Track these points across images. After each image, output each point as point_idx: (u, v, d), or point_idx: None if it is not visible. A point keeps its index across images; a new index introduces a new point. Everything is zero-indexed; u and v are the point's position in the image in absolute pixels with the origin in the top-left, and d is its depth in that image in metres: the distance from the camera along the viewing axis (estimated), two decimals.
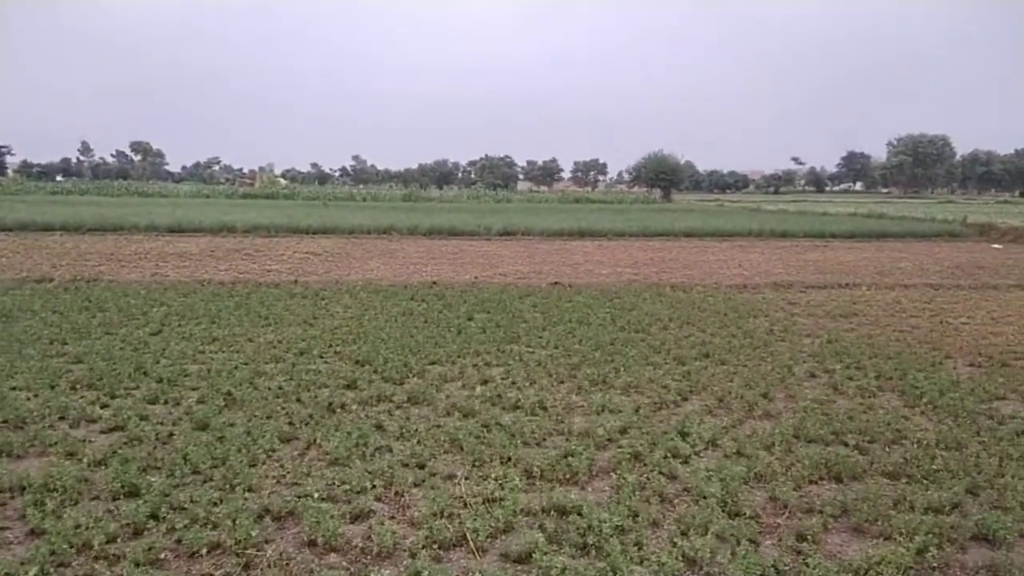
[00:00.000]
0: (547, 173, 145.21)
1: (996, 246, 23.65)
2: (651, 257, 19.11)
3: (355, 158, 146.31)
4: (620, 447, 5.02)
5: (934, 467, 4.72)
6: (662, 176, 77.46)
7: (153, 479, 4.35)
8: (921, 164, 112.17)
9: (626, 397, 6.33)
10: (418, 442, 5.06)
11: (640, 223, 28.29)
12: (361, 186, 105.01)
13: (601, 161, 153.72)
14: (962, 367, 7.62)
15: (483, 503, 4.13)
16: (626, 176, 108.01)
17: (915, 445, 5.14)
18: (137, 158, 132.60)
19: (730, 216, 36.13)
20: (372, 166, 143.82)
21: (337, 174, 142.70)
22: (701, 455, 4.97)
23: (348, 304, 10.77)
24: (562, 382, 6.79)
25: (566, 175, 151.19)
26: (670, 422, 5.62)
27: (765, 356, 7.88)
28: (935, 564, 3.57)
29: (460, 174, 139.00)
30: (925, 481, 4.55)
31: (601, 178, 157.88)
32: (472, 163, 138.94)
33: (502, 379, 6.80)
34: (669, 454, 4.91)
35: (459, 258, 18.18)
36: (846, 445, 5.20)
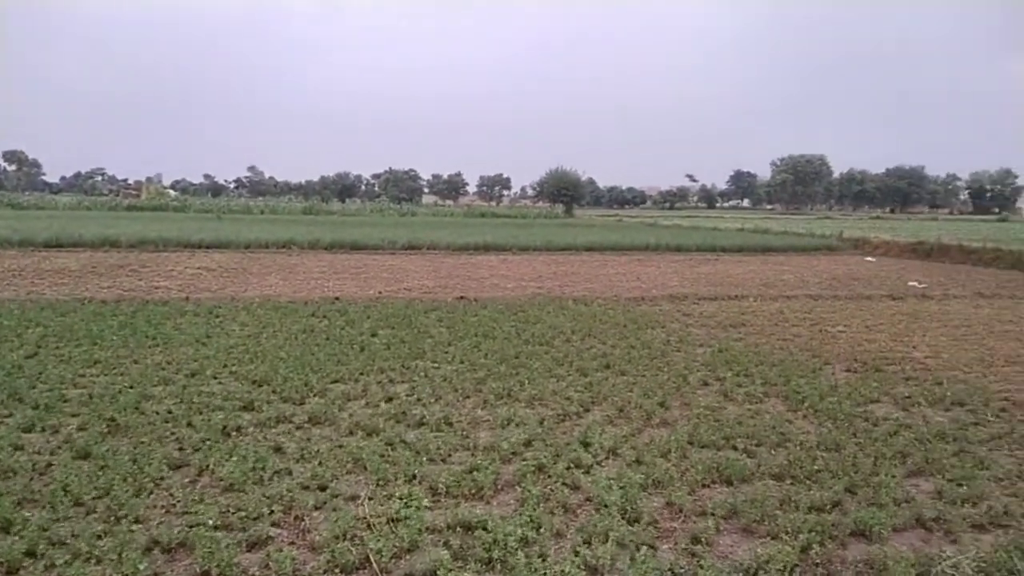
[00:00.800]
0: (452, 187, 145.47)
1: (869, 259, 25.57)
2: (554, 271, 19.46)
3: (251, 169, 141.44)
4: (525, 460, 5.07)
5: (815, 468, 5.03)
6: (564, 191, 79.23)
7: (29, 514, 4.03)
8: (802, 182, 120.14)
9: (531, 410, 6.41)
10: (319, 463, 4.93)
11: (543, 237, 28.78)
12: (259, 199, 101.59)
13: (505, 176, 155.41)
14: (840, 372, 8.18)
15: (387, 523, 4.07)
16: (530, 191, 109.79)
17: (798, 447, 5.47)
18: (11, 168, 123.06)
19: (629, 231, 37.36)
20: (271, 178, 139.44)
21: (232, 186, 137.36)
22: (603, 464, 5.10)
23: (245, 322, 10.37)
24: (468, 397, 6.79)
25: (471, 189, 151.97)
26: (573, 433, 5.73)
27: (662, 366, 8.18)
28: (818, 561, 3.80)
29: (363, 187, 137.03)
30: (808, 481, 4.85)
31: (506, 193, 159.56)
32: (376, 176, 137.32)
33: (407, 396, 6.73)
34: (572, 465, 5.00)
35: (362, 273, 17.89)
36: (736, 449, 5.47)
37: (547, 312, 11.87)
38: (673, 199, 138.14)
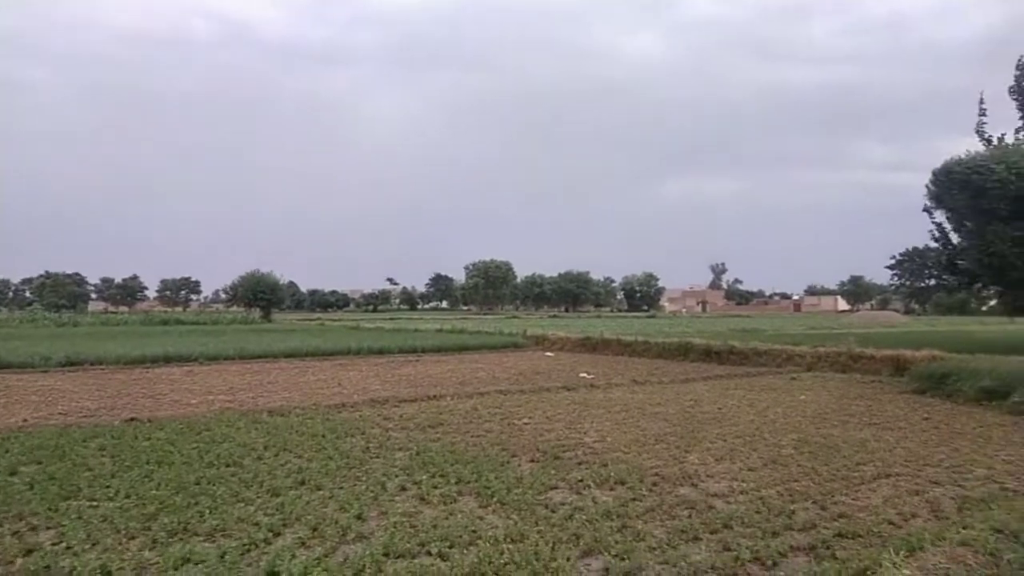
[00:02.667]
0: (127, 292, 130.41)
1: (549, 354, 28.40)
2: (248, 381, 18.23)
3: None
4: None
5: (503, 561, 5.27)
6: (261, 295, 75.64)
7: None
8: (491, 285, 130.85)
9: (211, 543, 5.77)
10: None
11: (237, 345, 26.98)
12: None
13: (194, 279, 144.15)
14: (525, 463, 8.79)
15: None
16: (223, 295, 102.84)
17: (488, 543, 5.70)
18: None
19: (331, 335, 36.79)
20: None
21: None
22: None
23: None
24: (133, 537, 5.89)
25: (152, 294, 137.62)
26: (259, 564, 5.27)
27: (360, 475, 8.02)
28: None
29: (11, 294, 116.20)
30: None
31: (194, 297, 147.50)
32: (27, 281, 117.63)
33: (53, 545, 5.62)
34: None
35: (3, 397, 14.86)
36: (430, 554, 5.51)
37: (237, 428, 10.98)
38: (376, 301, 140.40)
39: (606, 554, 5.52)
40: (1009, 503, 7.02)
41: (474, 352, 28.84)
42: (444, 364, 23.57)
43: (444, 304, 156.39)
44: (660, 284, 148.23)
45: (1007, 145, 28.06)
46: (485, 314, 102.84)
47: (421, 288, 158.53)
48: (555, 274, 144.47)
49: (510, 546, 5.64)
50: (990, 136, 30.49)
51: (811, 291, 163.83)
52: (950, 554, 5.40)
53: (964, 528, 6.07)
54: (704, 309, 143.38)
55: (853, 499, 7.30)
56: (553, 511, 6.66)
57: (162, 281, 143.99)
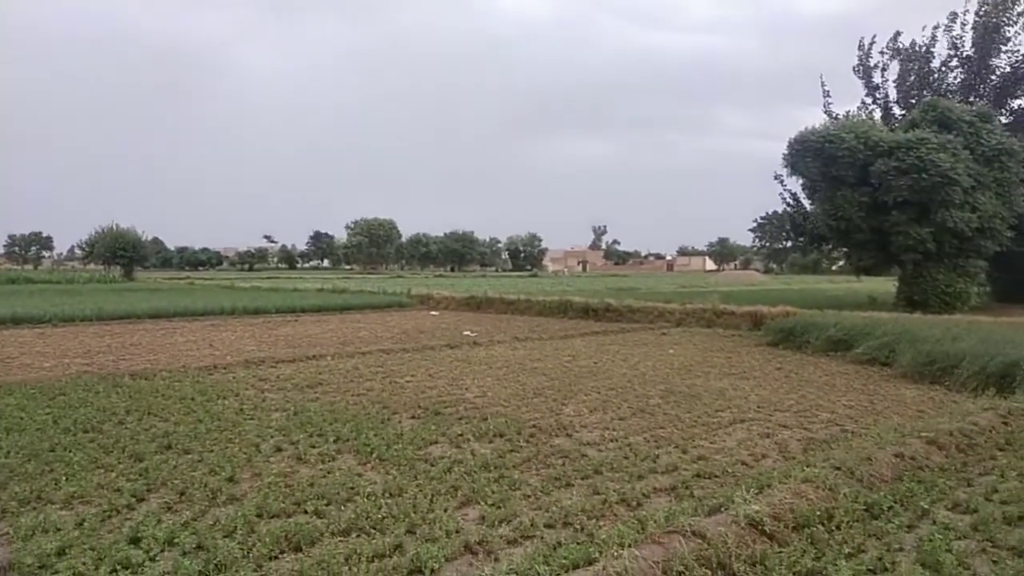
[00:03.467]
0: None
1: (433, 313, 28.39)
2: (108, 343, 17.05)
3: None
4: (56, 572, 4.27)
5: (380, 516, 5.30)
6: (121, 252, 70.27)
7: None
8: (375, 244, 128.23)
9: (68, 511, 5.43)
10: None
11: (95, 305, 25.09)
12: None
13: (45, 234, 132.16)
14: (405, 420, 8.82)
15: None
16: (78, 252, 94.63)
17: (366, 499, 5.71)
18: None
19: (202, 294, 34.92)
20: None
21: None
22: (156, 559, 4.57)
23: None
24: None
25: None
26: (122, 530, 5.02)
27: (233, 437, 7.76)
28: None
29: None
30: (373, 531, 5.07)
31: (47, 254, 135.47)
32: None
33: None
34: (118, 566, 4.38)
35: None
36: (306, 513, 5.45)
37: (95, 392, 10.29)
38: (252, 260, 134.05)
39: (483, 503, 5.68)
40: (848, 443, 7.80)
41: (357, 312, 28.35)
42: (325, 324, 23.03)
43: (325, 263, 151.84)
44: (543, 244, 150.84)
45: (849, 118, 30.49)
46: (369, 274, 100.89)
47: (301, 246, 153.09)
48: (441, 234, 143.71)
49: (388, 500, 5.68)
50: (836, 115, 32.99)
51: (683, 252, 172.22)
52: (794, 490, 5.94)
53: (808, 466, 6.67)
54: (584, 269, 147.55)
55: (711, 443, 7.87)
56: (432, 465, 6.75)
57: (9, 236, 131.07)
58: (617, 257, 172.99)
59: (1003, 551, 4.96)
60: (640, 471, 6.67)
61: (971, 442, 7.95)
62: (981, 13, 30.13)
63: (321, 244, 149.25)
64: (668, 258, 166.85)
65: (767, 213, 32.37)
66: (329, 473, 6.50)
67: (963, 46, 30.97)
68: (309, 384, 11.38)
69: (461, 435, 7.95)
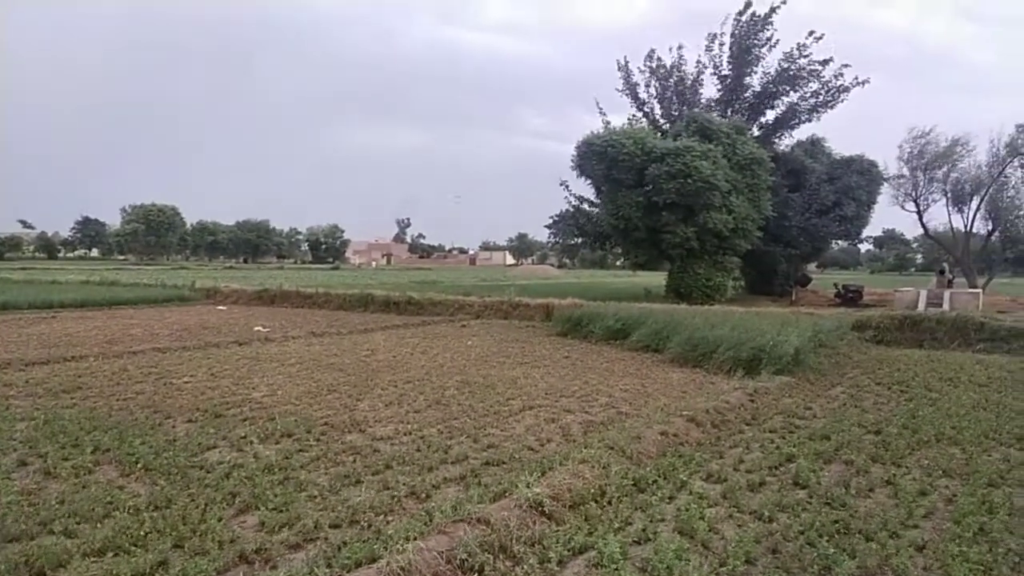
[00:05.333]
0: None
1: (221, 307, 26.46)
2: None
3: None
4: None
5: (144, 532, 4.83)
6: None
7: None
8: (155, 232, 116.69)
9: None
10: None
11: None
12: None
13: None
14: (180, 425, 8.12)
15: None
16: None
17: (127, 514, 5.17)
18: None
19: None
20: None
21: None
22: None
23: None
24: None
25: None
26: None
27: None
28: None
29: None
30: (134, 548, 4.60)
31: None
32: None
33: None
34: None
35: None
36: (53, 533, 4.82)
37: None
38: (3, 248, 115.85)
39: (263, 508, 5.39)
40: (621, 424, 8.46)
41: (130, 307, 25.60)
42: (89, 321, 20.53)
43: (95, 252, 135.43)
44: (346, 236, 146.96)
45: (639, 123, 33.28)
46: (147, 264, 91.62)
47: (65, 233, 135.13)
48: (232, 223, 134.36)
49: (153, 514, 5.19)
50: (608, 121, 35.86)
51: (485, 246, 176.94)
52: (573, 471, 6.32)
53: (586, 447, 7.15)
54: (389, 262, 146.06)
55: (501, 430, 8.15)
56: (208, 471, 6.28)
57: None
58: (422, 250, 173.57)
59: (746, 515, 5.66)
60: (431, 463, 6.73)
61: (723, 418, 9.01)
62: (735, 35, 34.12)
63: (89, 231, 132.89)
64: (471, 252, 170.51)
65: (561, 211, 34.29)
66: (84, 488, 5.79)
67: (721, 65, 34.91)
68: (65, 389, 10.07)
69: (244, 437, 7.48)
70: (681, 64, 35.03)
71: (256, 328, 18.91)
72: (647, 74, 35.59)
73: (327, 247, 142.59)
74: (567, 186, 32.56)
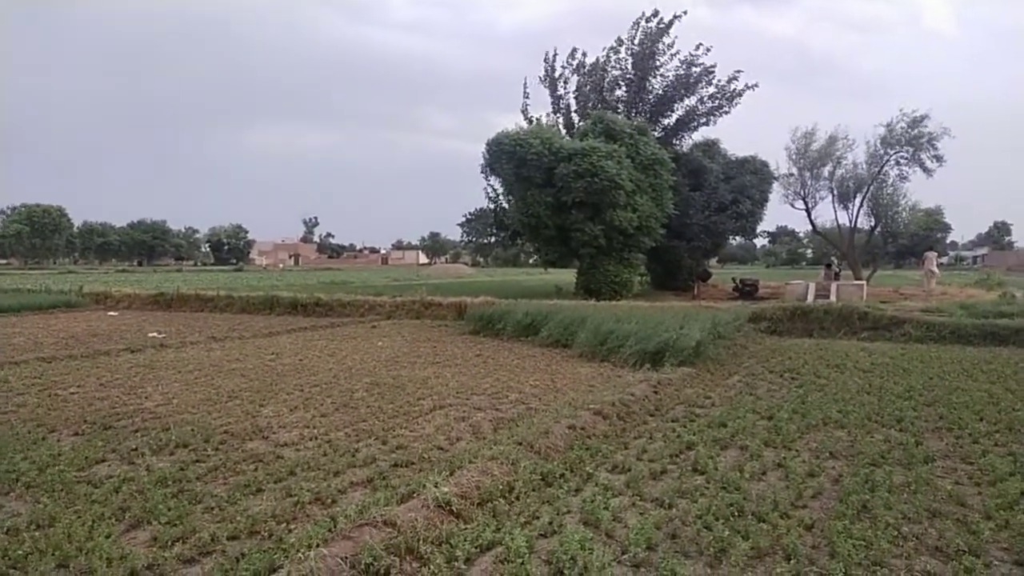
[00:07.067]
0: None
1: (112, 313, 24.98)
2: None
3: None
4: None
5: (22, 552, 4.51)
6: None
7: None
8: (39, 234, 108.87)
9: None
10: None
11: None
12: None
13: None
14: (66, 438, 7.63)
15: None
16: None
17: (4, 535, 4.82)
18: None
19: None
20: None
21: None
22: None
23: None
24: None
25: None
26: None
27: None
28: None
29: None
30: (12, 571, 4.30)
31: None
32: None
33: None
34: None
35: None
36: None
37: None
38: None
39: (156, 523, 5.14)
40: (530, 420, 8.55)
41: (11, 314, 23.79)
42: None
43: None
44: (250, 236, 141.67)
45: (542, 124, 33.80)
46: (31, 269, 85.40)
47: None
48: (125, 223, 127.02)
49: (35, 533, 4.85)
50: (532, 116, 36.35)
51: (398, 246, 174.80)
52: (481, 468, 6.35)
53: (495, 444, 7.20)
54: (296, 262, 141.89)
55: (411, 431, 8.09)
56: (96, 487, 5.93)
57: None
58: (331, 250, 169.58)
59: (648, 503, 5.85)
60: (338, 467, 6.60)
61: (629, 410, 9.27)
62: (640, 41, 35.21)
63: None
64: (383, 252, 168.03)
65: (474, 210, 34.35)
66: None
67: (627, 68, 35.92)
68: None
69: (135, 449, 7.10)
70: (606, 63, 35.87)
71: (151, 334, 17.98)
72: (568, 70, 36.21)
73: (230, 248, 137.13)
74: (487, 178, 32.60)
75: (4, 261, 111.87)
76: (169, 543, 4.78)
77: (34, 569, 4.32)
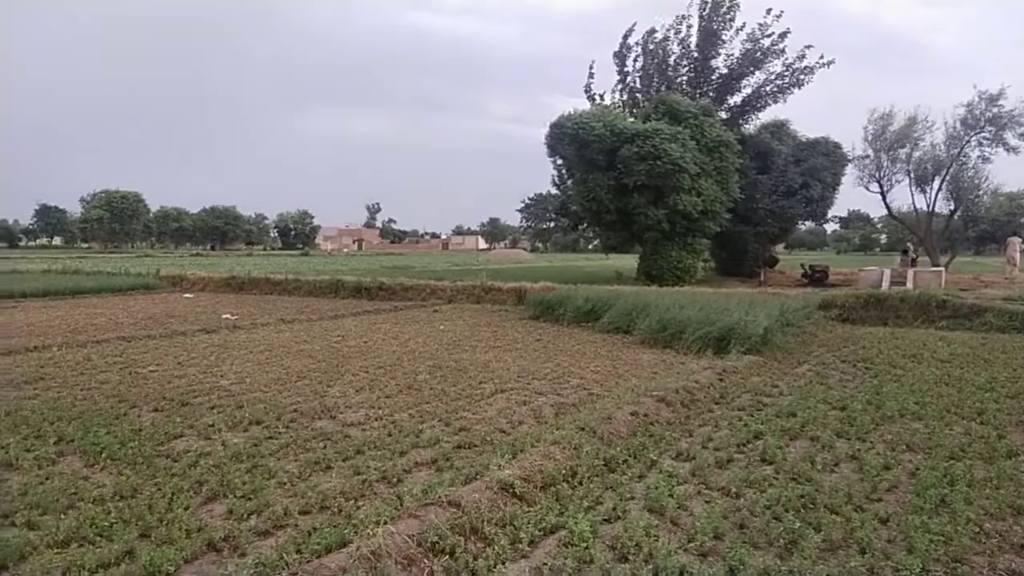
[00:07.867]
0: None
1: (188, 295, 26.04)
2: None
3: None
4: None
5: (109, 522, 4.75)
6: None
7: None
8: (118, 219, 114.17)
9: None
10: None
11: None
12: None
13: None
14: (146, 414, 7.99)
15: None
16: None
17: (92, 504, 5.08)
18: None
19: None
20: None
21: None
22: None
23: None
24: None
25: None
26: None
27: None
28: None
29: None
30: (99, 539, 4.53)
31: None
32: None
33: None
34: None
35: None
36: (15, 525, 4.73)
37: None
38: None
39: (231, 496, 5.33)
40: (592, 405, 8.51)
41: (92, 295, 25.07)
42: (52, 311, 20.05)
43: (57, 241, 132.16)
44: (316, 222, 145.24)
45: (605, 105, 33.29)
46: (111, 252, 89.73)
47: (26, 222, 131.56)
48: (198, 209, 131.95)
49: (119, 503, 5.10)
50: (595, 95, 35.84)
51: (458, 231, 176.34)
52: (544, 452, 6.35)
53: (557, 429, 7.19)
54: (360, 247, 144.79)
55: (473, 414, 8.16)
56: (175, 460, 6.19)
57: None
58: (393, 236, 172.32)
59: (714, 492, 5.74)
60: (403, 447, 6.71)
61: (693, 398, 9.11)
62: (702, 18, 34.23)
63: (50, 219, 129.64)
64: (443, 237, 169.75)
65: (533, 195, 34.26)
66: (47, 479, 5.68)
67: (690, 47, 35.00)
68: (27, 379, 9.84)
69: (212, 425, 7.38)
70: (666, 42, 35.07)
71: (224, 315, 18.65)
72: (637, 48, 35.52)
73: (297, 233, 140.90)
74: (555, 163, 32.27)
75: (86, 245, 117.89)
76: (244, 516, 4.95)
77: (119, 538, 4.54)
